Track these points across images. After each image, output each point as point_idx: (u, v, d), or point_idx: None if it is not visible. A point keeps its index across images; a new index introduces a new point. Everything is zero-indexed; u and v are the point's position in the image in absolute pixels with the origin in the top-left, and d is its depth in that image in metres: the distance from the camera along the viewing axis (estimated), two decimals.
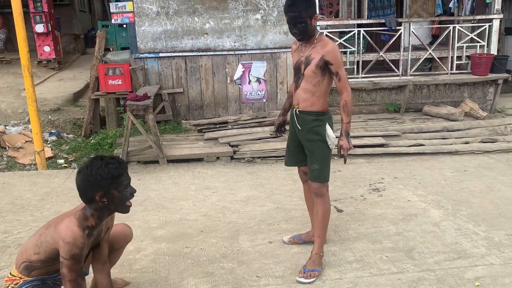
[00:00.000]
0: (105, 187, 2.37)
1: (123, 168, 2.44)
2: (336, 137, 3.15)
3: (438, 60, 7.74)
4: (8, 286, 2.45)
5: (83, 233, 2.36)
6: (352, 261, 3.33)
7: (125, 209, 2.52)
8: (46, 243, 2.40)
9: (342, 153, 3.09)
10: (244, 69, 7.18)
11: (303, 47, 3.14)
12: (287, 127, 3.43)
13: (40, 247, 2.41)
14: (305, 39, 3.07)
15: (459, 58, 7.76)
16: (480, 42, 7.64)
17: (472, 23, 7.82)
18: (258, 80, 7.25)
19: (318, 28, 7.12)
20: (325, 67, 3.03)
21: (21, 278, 2.45)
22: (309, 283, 3.04)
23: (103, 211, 2.45)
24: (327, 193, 3.22)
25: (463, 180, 5.01)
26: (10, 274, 2.50)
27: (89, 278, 2.73)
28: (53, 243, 2.38)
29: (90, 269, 2.73)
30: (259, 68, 7.21)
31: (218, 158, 5.88)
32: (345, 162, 3.17)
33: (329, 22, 7.74)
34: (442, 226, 3.87)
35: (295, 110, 3.18)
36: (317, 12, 3.03)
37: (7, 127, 7.01)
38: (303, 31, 3.00)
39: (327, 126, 3.13)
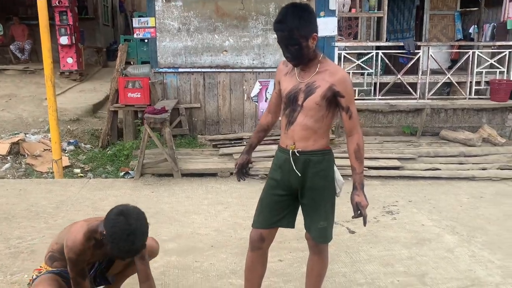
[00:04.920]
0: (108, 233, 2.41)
1: (135, 251, 2.46)
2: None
3: (456, 85, 7.71)
4: (34, 274, 2.61)
5: (85, 241, 2.43)
6: (362, 283, 3.29)
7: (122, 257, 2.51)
8: (64, 236, 2.55)
9: (360, 212, 2.47)
10: (261, 86, 7.24)
11: (301, 72, 2.49)
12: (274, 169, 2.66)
13: (61, 239, 2.57)
14: (302, 64, 2.46)
15: (478, 83, 7.71)
16: (500, 68, 7.60)
17: (492, 49, 7.79)
18: None
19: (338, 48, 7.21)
20: (332, 99, 2.43)
21: (45, 268, 2.61)
22: None
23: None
24: (327, 247, 2.71)
25: (479, 206, 4.92)
26: (40, 266, 2.68)
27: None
28: (63, 238, 2.53)
29: None
30: None
31: (231, 173, 5.89)
32: (365, 223, 2.50)
33: (348, 44, 7.78)
34: (456, 252, 3.80)
35: (292, 152, 2.50)
36: (317, 31, 2.39)
37: (27, 135, 7.15)
38: (296, 55, 2.38)
39: (336, 169, 2.58)
